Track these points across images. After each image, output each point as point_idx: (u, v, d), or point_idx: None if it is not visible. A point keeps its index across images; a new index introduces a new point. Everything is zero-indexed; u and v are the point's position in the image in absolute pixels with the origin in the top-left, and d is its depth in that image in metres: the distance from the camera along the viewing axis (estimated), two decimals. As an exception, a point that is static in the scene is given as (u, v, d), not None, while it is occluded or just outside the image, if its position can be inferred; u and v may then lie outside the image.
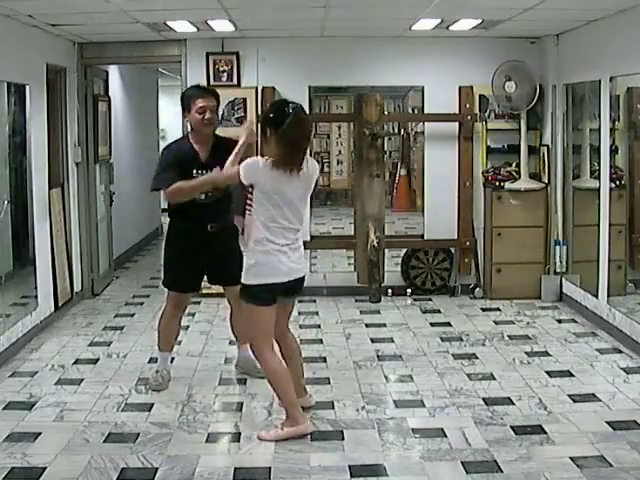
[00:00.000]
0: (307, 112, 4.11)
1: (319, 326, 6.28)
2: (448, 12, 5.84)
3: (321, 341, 5.86)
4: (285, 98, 4.17)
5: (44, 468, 3.70)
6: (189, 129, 4.75)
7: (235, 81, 7.06)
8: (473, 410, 4.43)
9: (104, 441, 4.05)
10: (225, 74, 7.06)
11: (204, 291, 7.27)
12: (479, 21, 6.17)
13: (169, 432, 4.15)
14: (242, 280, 4.06)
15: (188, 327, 6.29)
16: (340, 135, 11.92)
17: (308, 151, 4.05)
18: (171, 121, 11.04)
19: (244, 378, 4.99)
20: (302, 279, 4.14)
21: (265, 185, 3.89)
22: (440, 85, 7.07)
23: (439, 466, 3.74)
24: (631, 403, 4.49)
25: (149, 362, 5.37)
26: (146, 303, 7.15)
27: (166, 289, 4.96)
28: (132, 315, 6.71)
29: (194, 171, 4.52)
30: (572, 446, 3.91)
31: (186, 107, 4.61)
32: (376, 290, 6.42)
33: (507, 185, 6.98)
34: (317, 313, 6.68)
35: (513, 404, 4.51)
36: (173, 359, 5.21)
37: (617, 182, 6.07)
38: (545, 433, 4.08)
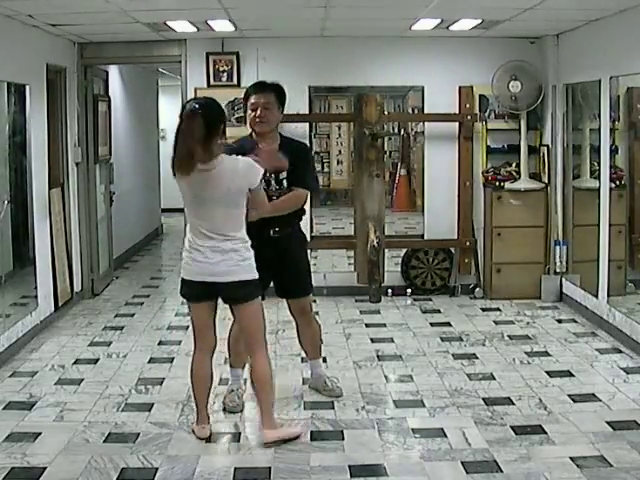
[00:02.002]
0: (209, 111, 3.72)
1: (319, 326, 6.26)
2: (448, 12, 5.84)
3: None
4: (198, 98, 3.88)
5: (44, 468, 3.70)
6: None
7: (235, 81, 7.06)
8: (473, 410, 4.42)
9: (104, 441, 4.04)
10: (225, 74, 7.06)
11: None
12: (479, 21, 6.17)
13: (169, 432, 4.14)
14: None
15: (188, 327, 6.28)
16: (340, 135, 11.91)
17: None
18: (171, 121, 11.07)
19: (244, 378, 4.93)
20: (236, 284, 3.85)
21: (179, 185, 3.83)
22: (440, 85, 7.08)
23: (439, 466, 3.74)
24: (631, 403, 4.49)
25: (149, 362, 5.38)
26: (146, 303, 7.15)
27: None
28: (132, 315, 6.71)
29: None
30: (572, 446, 3.91)
31: (245, 104, 4.40)
32: (376, 290, 6.43)
33: (507, 185, 6.98)
34: (317, 313, 6.65)
35: (513, 404, 4.51)
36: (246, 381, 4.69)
37: (617, 182, 6.07)
38: (545, 433, 4.08)
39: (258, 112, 4.27)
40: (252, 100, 4.30)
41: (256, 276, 3.94)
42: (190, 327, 6.18)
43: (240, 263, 3.87)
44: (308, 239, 4.83)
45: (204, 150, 3.69)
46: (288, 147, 4.36)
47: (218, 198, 3.77)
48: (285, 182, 4.36)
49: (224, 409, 4.46)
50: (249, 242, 3.93)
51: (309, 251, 4.98)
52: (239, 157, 3.87)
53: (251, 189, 3.85)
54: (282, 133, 4.52)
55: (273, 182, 4.34)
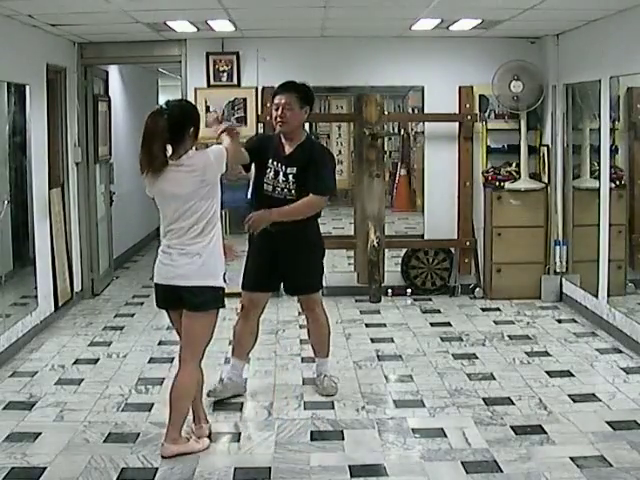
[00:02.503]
0: (175, 112, 3.69)
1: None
2: (448, 12, 5.84)
3: (321, 341, 5.86)
4: (171, 100, 3.86)
5: (44, 468, 3.70)
6: None
7: (235, 81, 7.06)
8: (473, 410, 4.42)
9: (104, 441, 4.05)
10: (225, 74, 7.06)
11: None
12: (479, 21, 6.17)
13: (169, 432, 4.14)
14: None
15: (188, 327, 6.29)
16: (340, 135, 11.90)
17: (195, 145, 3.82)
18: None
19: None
20: (191, 289, 3.71)
21: (150, 189, 3.81)
22: (440, 85, 7.08)
23: (439, 466, 3.74)
24: (631, 403, 4.50)
25: (149, 362, 5.38)
26: (146, 303, 7.14)
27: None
28: (132, 315, 6.71)
29: (270, 160, 4.42)
30: (572, 446, 3.91)
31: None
32: (376, 290, 6.43)
33: (507, 185, 6.98)
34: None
35: (513, 404, 4.51)
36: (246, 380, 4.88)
37: (617, 182, 6.07)
38: (545, 433, 4.08)
39: (279, 112, 4.36)
40: (275, 100, 4.41)
41: (222, 284, 3.80)
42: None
43: (209, 266, 3.75)
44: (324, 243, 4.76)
45: (174, 149, 3.69)
46: (308, 147, 4.47)
47: (190, 193, 3.69)
48: (292, 177, 4.40)
49: (207, 394, 4.44)
50: (219, 246, 3.81)
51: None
52: (209, 148, 3.81)
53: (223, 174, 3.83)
54: (309, 134, 4.59)
55: (281, 175, 4.41)
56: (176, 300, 3.78)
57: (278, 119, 4.37)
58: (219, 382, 4.64)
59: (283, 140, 4.48)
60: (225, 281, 3.83)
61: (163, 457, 3.80)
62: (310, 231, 4.56)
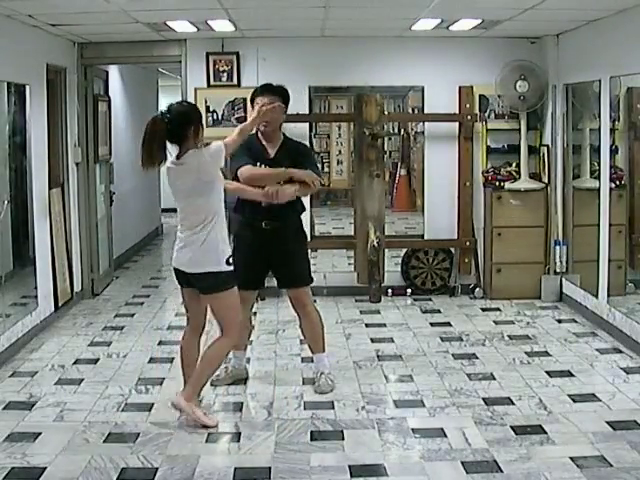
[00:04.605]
0: (172, 116, 4.01)
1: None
2: (448, 12, 5.84)
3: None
4: (171, 104, 4.17)
5: (44, 468, 3.70)
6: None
7: (235, 81, 7.06)
8: (473, 410, 4.42)
9: (104, 441, 4.05)
10: (225, 74, 7.05)
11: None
12: (479, 21, 6.17)
13: (169, 432, 4.14)
14: None
15: (188, 327, 6.29)
16: (340, 135, 11.91)
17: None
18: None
19: (244, 378, 4.98)
20: (197, 276, 4.15)
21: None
22: (440, 85, 7.07)
23: (439, 466, 3.74)
24: (631, 403, 4.49)
25: (149, 362, 5.38)
26: (146, 303, 7.15)
27: None
28: (132, 315, 6.71)
29: (258, 164, 4.56)
30: (572, 446, 3.91)
31: (252, 105, 4.64)
32: (376, 290, 6.42)
33: (507, 185, 6.98)
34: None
35: (513, 404, 4.51)
36: (249, 359, 5.23)
37: (617, 182, 6.07)
38: (545, 433, 4.08)
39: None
40: (258, 101, 4.54)
41: (223, 268, 4.14)
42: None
43: (208, 255, 4.12)
44: (308, 237, 5.02)
45: (179, 147, 4.06)
46: (290, 146, 4.68)
47: (189, 189, 4.07)
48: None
49: (211, 383, 4.68)
50: (223, 233, 4.17)
51: (309, 251, 5.11)
52: (207, 147, 4.10)
53: (222, 169, 4.19)
54: (285, 133, 4.75)
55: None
56: (187, 281, 4.26)
57: (263, 121, 4.54)
58: (221, 370, 4.81)
59: (264, 142, 4.65)
60: (229, 263, 4.17)
61: (175, 407, 4.20)
62: (299, 224, 4.79)
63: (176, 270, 4.28)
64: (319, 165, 4.86)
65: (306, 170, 4.55)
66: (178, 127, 4.01)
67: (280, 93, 4.61)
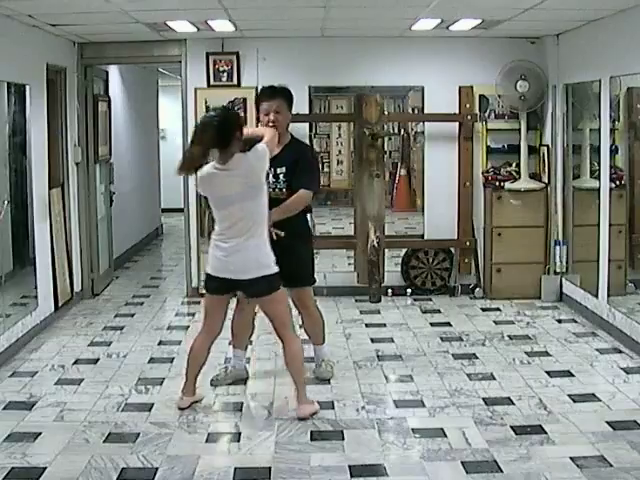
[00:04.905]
0: (221, 120, 4.07)
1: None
2: (448, 12, 5.84)
3: (321, 341, 5.86)
4: (216, 108, 4.31)
5: (44, 468, 3.70)
6: None
7: (235, 81, 7.06)
8: (473, 410, 4.42)
9: (104, 441, 4.05)
10: (225, 74, 7.05)
11: (204, 291, 7.31)
12: (479, 21, 6.17)
13: (169, 432, 4.15)
14: None
15: (188, 327, 6.29)
16: (340, 135, 11.90)
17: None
18: (171, 121, 11.07)
19: (244, 378, 4.97)
20: (249, 281, 4.19)
21: (202, 189, 4.27)
22: (440, 85, 7.07)
23: (439, 466, 3.74)
24: (631, 403, 4.50)
25: (149, 362, 5.38)
26: (146, 303, 7.15)
27: None
28: (132, 315, 6.71)
29: None
30: (572, 446, 3.91)
31: (258, 108, 4.73)
32: (376, 290, 6.42)
33: (507, 185, 6.98)
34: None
35: (513, 404, 4.51)
36: (249, 359, 5.25)
37: (617, 182, 6.07)
38: (545, 433, 4.08)
39: (271, 116, 4.59)
40: (264, 105, 4.62)
41: (274, 270, 4.24)
42: (191, 327, 6.27)
43: (260, 260, 4.20)
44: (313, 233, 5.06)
45: (223, 153, 4.05)
46: (294, 147, 4.73)
47: (238, 195, 4.08)
48: (282, 177, 4.63)
49: (211, 382, 4.83)
50: (266, 235, 4.25)
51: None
52: (254, 150, 4.14)
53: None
54: (293, 134, 4.81)
55: (271, 176, 4.59)
56: (227, 290, 4.34)
57: (271, 123, 4.58)
58: (221, 370, 4.92)
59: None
60: (275, 264, 4.26)
61: (300, 418, 4.26)
62: (302, 224, 4.80)
63: (218, 279, 4.26)
64: (320, 168, 4.84)
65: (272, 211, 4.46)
66: (227, 131, 4.03)
67: (283, 94, 4.67)
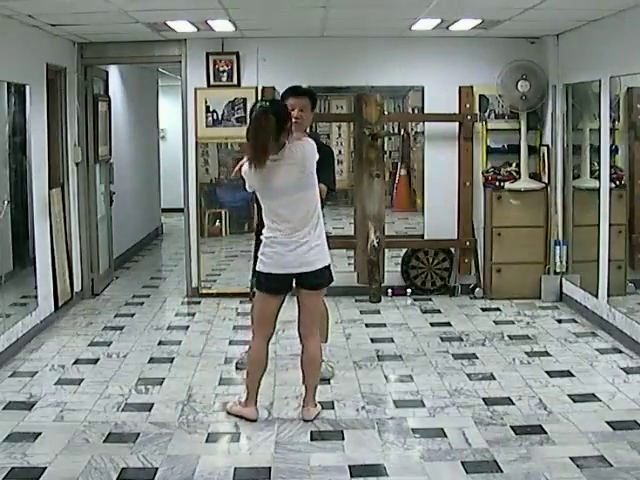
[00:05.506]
0: (277, 109, 4.10)
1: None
2: (448, 12, 5.84)
3: (321, 341, 5.86)
4: (266, 98, 4.19)
5: (44, 468, 3.70)
6: None
7: (235, 81, 7.06)
8: (473, 410, 4.43)
9: (104, 441, 4.05)
10: (225, 74, 7.06)
11: (203, 291, 7.32)
12: (479, 21, 6.17)
13: (169, 432, 4.15)
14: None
15: (188, 327, 6.29)
16: (340, 135, 11.89)
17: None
18: (171, 121, 11.08)
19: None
20: (314, 273, 4.20)
21: (253, 184, 4.16)
22: (440, 85, 7.08)
23: (439, 466, 3.74)
24: (631, 403, 4.50)
25: (149, 362, 5.38)
26: (146, 303, 7.15)
27: None
28: (132, 315, 6.71)
29: None
30: (572, 446, 3.91)
31: None
32: (376, 290, 6.40)
33: (507, 185, 6.98)
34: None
35: (513, 404, 4.51)
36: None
37: (617, 182, 6.07)
38: (545, 433, 4.08)
39: (296, 113, 4.60)
40: (291, 101, 4.65)
41: (330, 262, 4.30)
42: (191, 327, 6.27)
43: (325, 250, 4.23)
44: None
45: (276, 143, 4.02)
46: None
47: (294, 183, 4.06)
48: None
49: (236, 367, 5.08)
50: (323, 230, 4.24)
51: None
52: (304, 140, 4.17)
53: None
54: (309, 133, 4.79)
55: None
56: (286, 288, 4.25)
57: (294, 119, 4.56)
58: (244, 354, 4.96)
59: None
60: None
61: (306, 420, 4.26)
62: None
63: (279, 277, 4.17)
64: (333, 171, 4.98)
65: None
66: (283, 121, 4.05)
67: (310, 95, 4.75)
